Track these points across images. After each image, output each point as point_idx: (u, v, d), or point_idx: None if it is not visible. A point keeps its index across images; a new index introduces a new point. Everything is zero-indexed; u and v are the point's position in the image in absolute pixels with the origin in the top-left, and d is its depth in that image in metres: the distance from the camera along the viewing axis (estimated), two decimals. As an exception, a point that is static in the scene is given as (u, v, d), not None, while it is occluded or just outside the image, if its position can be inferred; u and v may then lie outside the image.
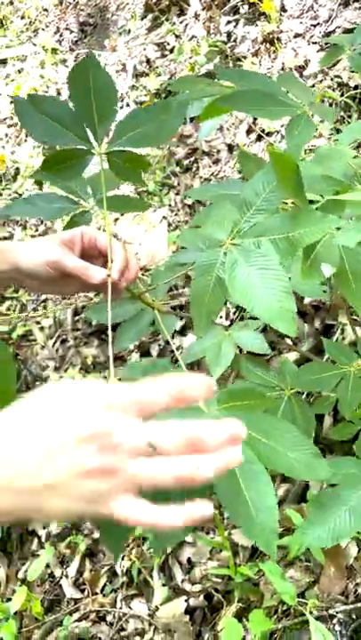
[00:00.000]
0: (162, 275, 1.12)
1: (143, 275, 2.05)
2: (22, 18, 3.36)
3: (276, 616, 1.32)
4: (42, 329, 2.13)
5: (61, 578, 1.66)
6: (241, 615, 1.34)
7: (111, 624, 1.53)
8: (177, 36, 2.63)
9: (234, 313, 1.80)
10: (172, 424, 0.39)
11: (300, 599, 1.29)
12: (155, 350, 1.90)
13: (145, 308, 0.99)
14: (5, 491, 0.38)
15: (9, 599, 1.69)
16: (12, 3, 3.49)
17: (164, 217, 2.17)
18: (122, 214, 2.23)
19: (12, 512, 0.39)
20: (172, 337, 1.98)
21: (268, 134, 2.02)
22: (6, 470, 0.38)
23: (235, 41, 2.42)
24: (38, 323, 2.16)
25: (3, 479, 0.38)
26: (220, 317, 1.80)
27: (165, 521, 0.39)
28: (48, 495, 0.38)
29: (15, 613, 1.64)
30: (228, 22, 2.46)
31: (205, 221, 0.79)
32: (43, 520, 0.40)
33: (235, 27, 2.45)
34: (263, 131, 2.04)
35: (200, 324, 0.71)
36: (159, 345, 1.91)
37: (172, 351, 1.89)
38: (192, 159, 2.26)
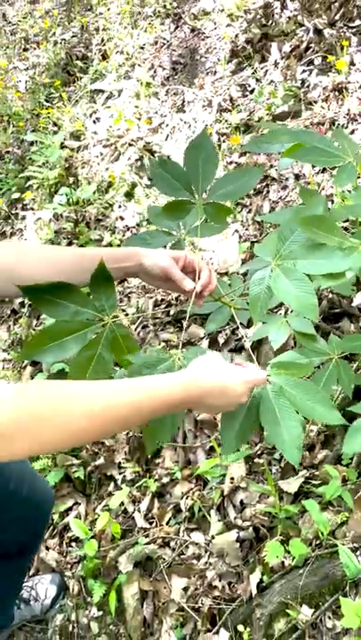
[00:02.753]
0: (238, 280, 1.53)
1: (218, 277, 2.44)
2: (121, 53, 3.87)
3: (310, 547, 1.66)
4: (126, 315, 2.54)
5: (134, 512, 2.03)
6: (282, 545, 1.68)
7: (174, 549, 1.88)
8: (257, 80, 3.05)
9: (291, 311, 2.16)
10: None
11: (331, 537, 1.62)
12: (222, 338, 2.28)
13: (223, 305, 1.37)
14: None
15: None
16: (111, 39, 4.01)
17: (236, 230, 2.56)
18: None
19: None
20: (240, 327, 2.36)
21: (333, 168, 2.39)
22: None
23: (308, 87, 2.82)
24: (124, 310, 2.57)
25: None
26: (281, 312, 2.16)
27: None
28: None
29: (94, 537, 2.02)
30: (304, 71, 2.87)
31: (262, 246, 1.17)
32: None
33: (309, 75, 2.85)
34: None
35: (256, 317, 1.10)
36: (226, 334, 2.28)
37: (237, 340, 2.27)
38: (264, 184, 2.65)
